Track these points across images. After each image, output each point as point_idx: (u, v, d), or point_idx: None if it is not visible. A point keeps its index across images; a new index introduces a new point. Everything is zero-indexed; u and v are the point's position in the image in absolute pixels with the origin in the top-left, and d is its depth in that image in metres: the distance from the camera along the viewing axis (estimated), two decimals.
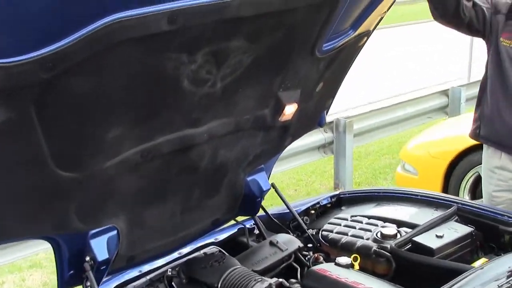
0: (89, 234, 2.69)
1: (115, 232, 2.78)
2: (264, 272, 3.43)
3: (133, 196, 2.75)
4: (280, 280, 3.12)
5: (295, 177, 8.95)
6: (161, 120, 2.50)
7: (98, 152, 2.32)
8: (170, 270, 3.40)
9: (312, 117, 3.57)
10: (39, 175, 2.11)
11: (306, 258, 3.60)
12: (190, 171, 2.96)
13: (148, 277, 3.39)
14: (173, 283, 3.38)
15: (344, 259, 3.23)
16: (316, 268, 3.17)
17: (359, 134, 8.78)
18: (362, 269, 3.30)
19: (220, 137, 2.89)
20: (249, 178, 3.52)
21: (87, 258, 2.73)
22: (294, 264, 3.57)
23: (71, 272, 2.80)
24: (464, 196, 5.92)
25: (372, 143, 10.00)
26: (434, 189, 5.91)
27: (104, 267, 2.84)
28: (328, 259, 3.59)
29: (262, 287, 3.03)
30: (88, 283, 2.80)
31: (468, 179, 5.84)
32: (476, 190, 5.97)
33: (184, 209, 3.15)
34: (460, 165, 5.79)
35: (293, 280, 3.28)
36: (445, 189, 5.92)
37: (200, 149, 2.85)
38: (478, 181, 5.89)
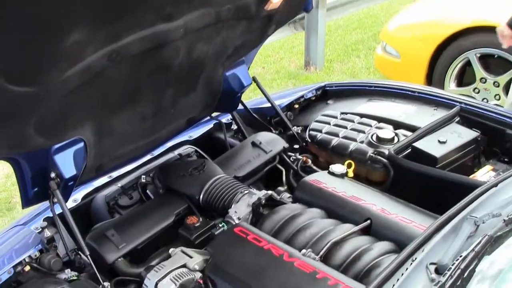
0: (53, 149, 2.33)
1: (81, 144, 2.41)
2: (247, 178, 3.11)
3: (100, 104, 2.35)
4: (269, 192, 2.80)
5: (262, 53, 8.41)
6: (130, 16, 2.02)
7: (56, 61, 1.86)
8: (144, 176, 3.02)
9: (299, 2, 3.09)
10: None
11: (291, 159, 3.28)
12: (163, 71, 2.54)
13: (119, 184, 3.02)
14: (147, 191, 3.03)
15: (338, 168, 2.90)
16: (309, 179, 2.84)
17: (331, 8, 8.19)
18: (356, 176, 3.00)
19: (197, 31, 2.45)
20: (228, 73, 3.08)
21: (52, 175, 2.40)
22: (279, 167, 3.25)
23: (35, 189, 2.46)
24: (450, 84, 5.61)
25: (341, 17, 9.42)
26: (418, 75, 5.57)
27: (71, 183, 2.51)
28: (317, 161, 3.28)
29: (251, 202, 2.70)
30: (55, 199, 2.50)
31: (456, 66, 5.49)
32: (462, 78, 5.66)
33: (157, 111, 2.74)
34: (447, 50, 5.38)
35: (281, 189, 2.97)
36: (429, 76, 5.56)
37: (174, 46, 2.42)
38: (465, 67, 5.60)
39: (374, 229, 2.54)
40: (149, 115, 2.73)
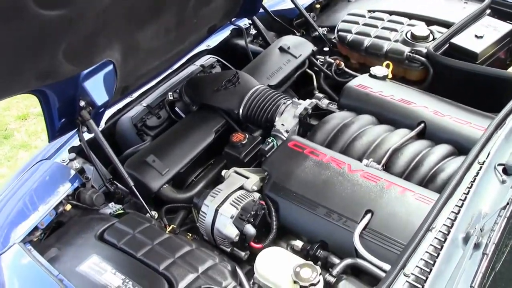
0: (82, 76, 2.17)
1: (111, 66, 2.25)
2: (280, 85, 2.95)
3: (126, 21, 2.18)
4: (314, 101, 2.65)
5: None
6: None
7: None
8: (171, 93, 2.81)
9: None
10: (21, 21, 1.68)
11: (320, 63, 3.11)
12: None
13: (144, 103, 2.81)
14: (176, 108, 2.84)
15: (380, 70, 2.76)
16: (353, 84, 2.70)
17: None
18: (393, 77, 2.88)
19: None
20: None
21: (82, 103, 2.24)
22: (308, 71, 3.09)
23: (63, 120, 2.28)
24: None
25: None
26: None
27: (102, 109, 2.35)
28: (348, 63, 3.13)
29: (297, 112, 2.56)
30: (84, 128, 2.33)
31: None
32: None
33: (179, 22, 2.55)
34: None
35: (319, 95, 2.83)
36: None
37: None
38: None
39: (429, 132, 2.46)
40: (173, 27, 2.54)
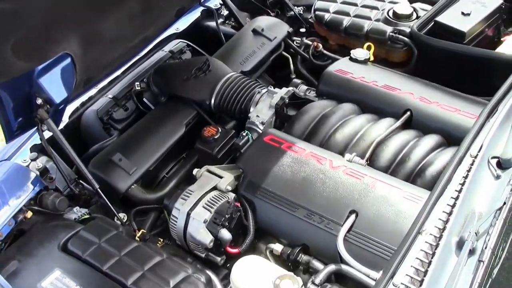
0: (36, 72, 1.99)
1: (68, 60, 2.04)
2: (254, 71, 2.76)
3: (84, 10, 1.99)
4: (291, 89, 2.47)
5: None
6: None
7: None
8: (138, 83, 2.60)
9: None
10: None
11: (296, 44, 2.92)
12: None
13: (109, 95, 2.60)
14: (144, 99, 2.63)
15: (361, 52, 2.59)
16: (333, 69, 2.51)
17: None
18: (375, 59, 2.70)
19: None
20: None
21: (39, 101, 2.04)
22: (285, 54, 2.90)
23: (20, 119, 2.08)
24: None
25: None
26: None
27: (62, 106, 2.15)
28: (327, 45, 2.94)
29: (273, 102, 2.37)
30: (45, 127, 2.12)
31: None
32: None
33: (144, 7, 2.34)
34: None
35: (297, 81, 2.64)
36: None
37: None
38: None
39: (415, 121, 2.30)
40: (137, 13, 2.34)
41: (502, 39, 2.83)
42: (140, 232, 2.03)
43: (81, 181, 2.28)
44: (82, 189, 2.28)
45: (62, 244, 1.98)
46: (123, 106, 2.59)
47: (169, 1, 2.52)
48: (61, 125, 2.44)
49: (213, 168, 2.17)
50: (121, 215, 2.17)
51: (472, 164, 1.85)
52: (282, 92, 2.42)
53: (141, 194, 2.27)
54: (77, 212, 2.19)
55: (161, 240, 2.15)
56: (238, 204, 2.07)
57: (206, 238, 1.98)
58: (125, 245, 1.95)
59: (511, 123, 2.05)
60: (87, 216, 2.19)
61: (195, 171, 2.19)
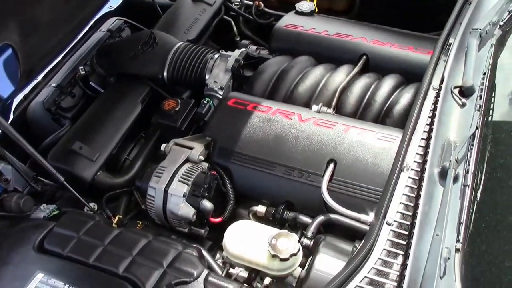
0: None
1: (10, 51, 1.91)
2: (199, 38, 2.68)
3: None
4: (244, 50, 2.43)
5: None
6: None
7: None
8: (81, 67, 2.47)
9: None
10: None
11: (236, 6, 2.86)
12: None
13: (53, 84, 2.46)
14: (91, 82, 2.51)
15: (306, 5, 2.57)
16: (281, 25, 2.48)
17: None
18: (319, 11, 2.69)
19: None
20: None
21: None
22: (226, 18, 2.84)
23: None
24: None
25: None
26: None
27: (10, 101, 1.98)
28: (267, 3, 2.89)
29: (229, 66, 2.32)
30: None
31: None
32: None
33: None
34: None
35: (245, 42, 2.60)
36: None
37: None
38: None
39: (372, 64, 2.32)
40: None
41: None
42: (117, 218, 1.95)
43: (40, 177, 2.15)
44: (43, 185, 2.15)
45: (37, 245, 1.86)
46: (69, 93, 2.46)
47: None
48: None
49: (180, 140, 2.11)
50: (91, 204, 2.08)
51: (437, 97, 1.89)
52: (236, 54, 2.37)
53: (109, 180, 2.18)
54: (45, 210, 2.06)
55: (140, 222, 2.08)
56: (214, 173, 2.03)
57: (189, 211, 1.94)
58: (107, 233, 1.86)
59: (464, 52, 2.10)
60: (56, 212, 2.06)
61: (163, 146, 2.12)
